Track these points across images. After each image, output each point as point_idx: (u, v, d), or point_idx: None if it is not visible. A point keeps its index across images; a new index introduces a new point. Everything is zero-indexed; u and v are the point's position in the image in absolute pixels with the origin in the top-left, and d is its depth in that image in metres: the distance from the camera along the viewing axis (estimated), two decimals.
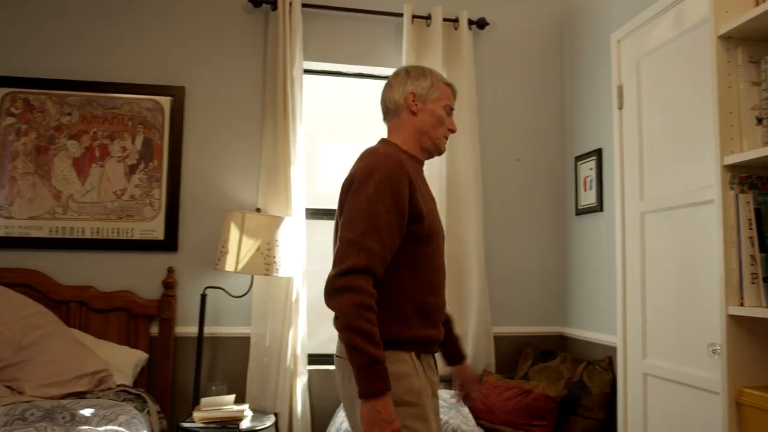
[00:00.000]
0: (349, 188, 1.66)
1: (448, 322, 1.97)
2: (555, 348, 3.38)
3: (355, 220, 1.58)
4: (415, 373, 1.64)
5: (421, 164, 1.85)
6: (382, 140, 1.84)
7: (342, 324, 1.52)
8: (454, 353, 1.98)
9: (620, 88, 2.73)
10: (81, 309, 2.95)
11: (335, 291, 1.54)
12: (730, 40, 1.80)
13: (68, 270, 3.01)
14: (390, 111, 1.85)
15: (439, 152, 1.86)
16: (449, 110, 1.85)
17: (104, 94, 3.11)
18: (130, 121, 3.12)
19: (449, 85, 1.87)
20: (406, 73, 1.84)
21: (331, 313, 1.57)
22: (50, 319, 2.74)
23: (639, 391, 2.65)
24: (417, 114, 1.81)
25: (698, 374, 2.25)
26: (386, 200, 1.60)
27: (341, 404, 2.97)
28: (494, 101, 3.50)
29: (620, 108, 2.79)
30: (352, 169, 1.71)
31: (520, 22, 3.57)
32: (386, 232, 1.58)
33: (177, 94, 3.17)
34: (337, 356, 1.73)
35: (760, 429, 1.64)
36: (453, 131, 1.86)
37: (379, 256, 1.56)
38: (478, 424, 2.92)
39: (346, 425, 2.66)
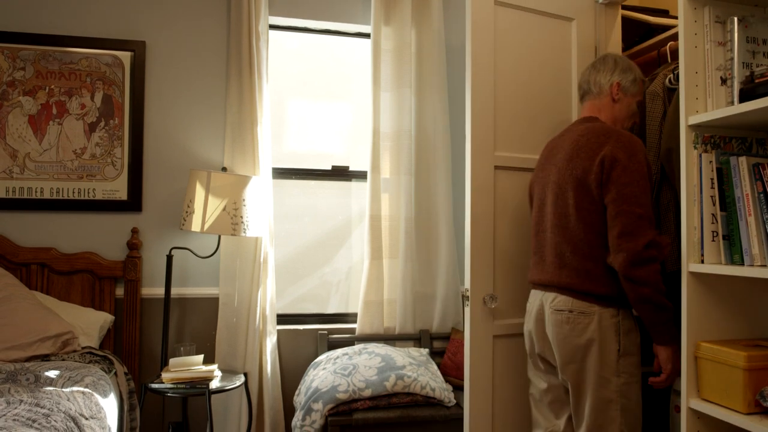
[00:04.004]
0: (611, 165, 1.89)
1: None
2: None
3: (638, 195, 1.86)
4: (635, 328, 1.98)
5: None
6: (597, 119, 2.07)
7: (651, 289, 1.82)
8: None
9: (596, 49, 2.71)
10: (42, 271, 2.89)
11: (643, 261, 1.82)
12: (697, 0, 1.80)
13: (28, 231, 2.93)
14: (590, 92, 2.12)
15: None
16: (638, 105, 2.12)
17: (60, 48, 2.98)
18: (89, 77, 3.01)
19: (644, 81, 2.14)
20: (615, 63, 2.08)
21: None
22: (10, 281, 2.68)
23: None
24: (616, 103, 2.07)
25: None
26: (649, 177, 1.91)
27: (312, 363, 3.00)
28: (464, 57, 3.46)
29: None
30: (598, 146, 1.94)
31: None
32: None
33: (137, 49, 3.05)
34: (563, 311, 1.98)
35: (715, 380, 1.70)
36: (638, 123, 2.20)
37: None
38: (447, 381, 2.99)
39: (316, 383, 2.69)
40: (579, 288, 1.95)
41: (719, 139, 1.81)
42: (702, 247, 1.75)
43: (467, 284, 2.28)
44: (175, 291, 3.04)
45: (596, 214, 1.93)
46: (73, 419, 1.89)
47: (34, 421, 1.78)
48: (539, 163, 2.20)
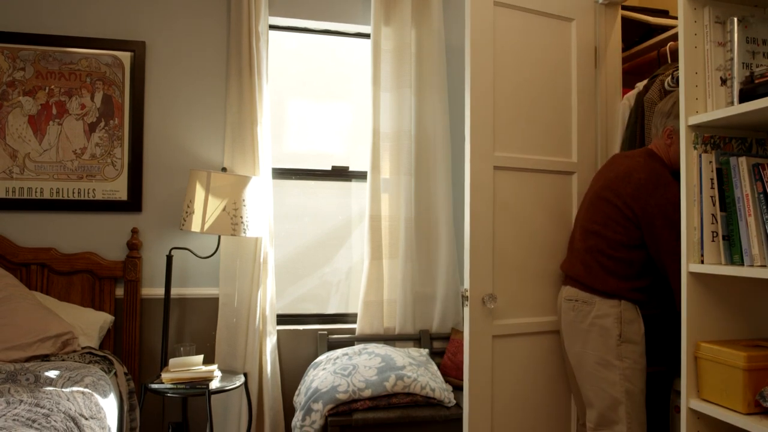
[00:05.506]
0: (652, 221, 2.08)
1: None
2: None
3: (673, 236, 2.03)
4: (639, 320, 2.15)
5: None
6: (654, 154, 2.20)
7: None
8: None
9: (596, 49, 2.71)
10: (42, 271, 2.89)
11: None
12: (697, 0, 1.80)
13: (28, 232, 2.93)
14: (655, 133, 2.25)
15: None
16: None
17: (60, 48, 2.98)
18: (89, 77, 3.01)
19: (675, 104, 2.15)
20: (671, 107, 2.16)
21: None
22: (10, 281, 2.68)
23: None
24: (670, 146, 2.17)
25: None
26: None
27: (312, 363, 3.00)
28: (464, 57, 3.45)
29: (596, 67, 2.77)
30: (647, 194, 2.10)
31: None
32: None
33: (137, 49, 3.05)
34: (571, 300, 2.25)
35: (715, 380, 1.70)
36: None
37: None
38: (447, 381, 2.99)
39: (315, 383, 2.69)
40: (583, 281, 2.22)
41: (719, 139, 1.81)
42: (702, 248, 1.75)
43: (467, 284, 2.28)
44: (175, 291, 3.04)
45: (618, 235, 2.16)
46: (73, 419, 1.89)
47: (33, 421, 1.78)
48: (599, 169, 2.39)
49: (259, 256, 3.01)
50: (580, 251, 2.28)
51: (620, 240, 2.16)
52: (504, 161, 2.37)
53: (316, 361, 2.98)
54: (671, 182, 2.10)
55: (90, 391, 2.12)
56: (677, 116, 2.12)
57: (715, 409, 1.68)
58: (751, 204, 1.65)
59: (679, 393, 2.11)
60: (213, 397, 2.93)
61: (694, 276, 1.76)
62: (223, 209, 2.78)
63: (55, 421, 1.81)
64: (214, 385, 2.65)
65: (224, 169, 3.07)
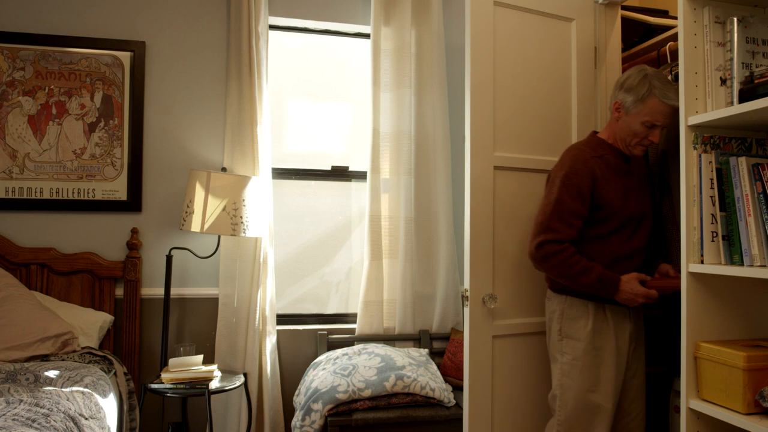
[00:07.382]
0: (547, 178, 2.18)
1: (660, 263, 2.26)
2: None
3: (545, 206, 2.11)
4: (586, 317, 2.11)
5: (627, 157, 2.20)
6: (593, 133, 2.26)
7: (564, 280, 2.08)
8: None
9: (596, 49, 2.71)
10: (42, 271, 2.89)
11: (540, 260, 2.09)
12: (697, 0, 1.80)
13: (27, 232, 2.93)
14: (608, 104, 2.27)
15: (632, 155, 2.19)
16: (650, 125, 2.09)
17: (60, 48, 2.98)
18: (88, 77, 3.01)
19: (666, 104, 2.06)
20: (624, 80, 2.13)
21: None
22: (10, 282, 2.68)
23: None
24: (618, 120, 2.16)
25: None
26: (571, 190, 2.07)
27: (311, 363, 3.00)
28: (464, 57, 3.45)
29: (596, 67, 2.77)
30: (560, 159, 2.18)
31: None
32: (569, 215, 2.06)
33: (137, 49, 3.05)
34: (546, 299, 2.29)
35: (715, 380, 1.70)
36: (653, 142, 2.13)
37: (563, 231, 2.06)
38: (447, 381, 2.99)
39: (315, 384, 2.69)
40: (547, 279, 2.27)
41: (719, 139, 1.81)
42: (702, 248, 1.75)
43: (467, 284, 2.28)
44: (174, 291, 3.04)
45: None
46: (73, 419, 1.89)
47: (33, 420, 1.78)
48: None
49: (259, 256, 3.01)
50: None
51: None
52: (504, 161, 2.37)
53: (315, 361, 2.98)
54: (580, 152, 2.15)
55: (90, 391, 2.12)
56: (628, 90, 2.10)
57: (715, 409, 1.68)
58: (751, 204, 1.65)
59: (679, 393, 2.11)
60: (213, 397, 2.93)
61: (694, 276, 1.76)
62: (223, 209, 2.78)
63: (54, 420, 1.81)
64: (214, 385, 2.65)
65: (224, 169, 3.07)
